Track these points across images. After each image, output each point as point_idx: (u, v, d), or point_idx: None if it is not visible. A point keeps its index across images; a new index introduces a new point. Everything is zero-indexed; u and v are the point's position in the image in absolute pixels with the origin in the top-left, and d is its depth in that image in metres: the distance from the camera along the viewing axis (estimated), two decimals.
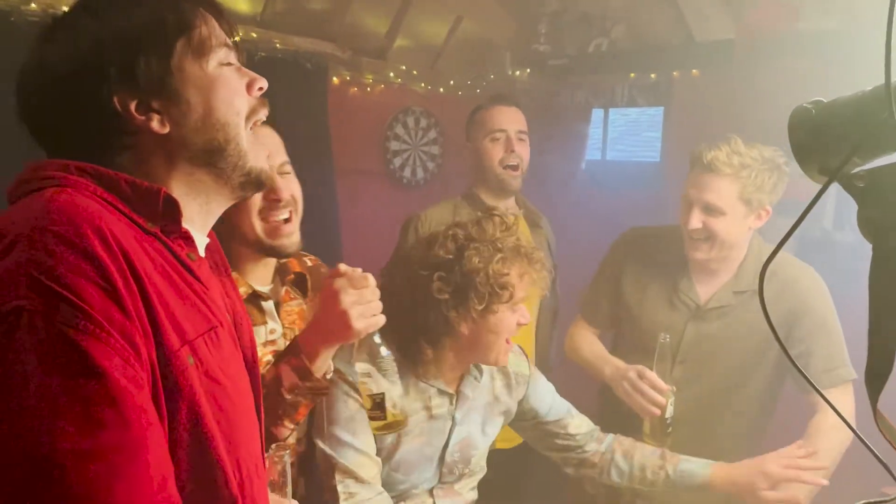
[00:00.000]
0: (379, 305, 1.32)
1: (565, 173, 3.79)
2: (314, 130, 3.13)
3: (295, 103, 2.98)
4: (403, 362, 1.59)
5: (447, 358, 1.63)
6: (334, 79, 3.30)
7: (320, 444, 1.56)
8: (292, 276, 1.58)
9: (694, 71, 3.23)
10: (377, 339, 1.41)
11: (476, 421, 1.72)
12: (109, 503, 0.67)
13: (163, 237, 0.86)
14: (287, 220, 1.47)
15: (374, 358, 1.47)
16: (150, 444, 0.72)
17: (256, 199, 1.43)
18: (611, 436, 1.86)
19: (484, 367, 1.73)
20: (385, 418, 1.45)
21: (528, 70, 3.77)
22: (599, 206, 3.38)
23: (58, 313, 0.68)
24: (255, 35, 2.88)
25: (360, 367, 1.53)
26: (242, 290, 1.43)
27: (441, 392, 1.66)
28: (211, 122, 0.89)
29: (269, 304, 1.50)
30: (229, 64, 0.93)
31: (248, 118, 0.94)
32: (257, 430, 0.97)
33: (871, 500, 0.62)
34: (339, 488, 1.53)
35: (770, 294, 1.86)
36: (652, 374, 1.83)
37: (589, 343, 2.17)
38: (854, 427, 0.71)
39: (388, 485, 1.62)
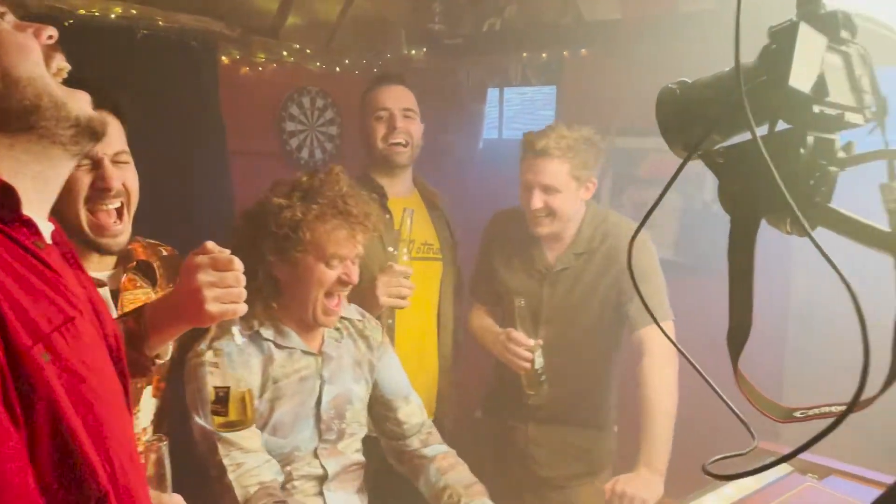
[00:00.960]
0: (241, 293, 1.23)
1: (464, 152, 3.83)
2: (204, 112, 3.01)
3: (182, 84, 2.86)
4: (262, 329, 1.69)
5: (286, 314, 1.73)
6: (224, 58, 3.18)
7: (199, 421, 1.57)
8: (134, 263, 1.53)
9: (583, 51, 3.32)
10: (235, 329, 1.38)
11: (347, 379, 1.81)
12: None
13: (1, 227, 0.80)
14: (118, 215, 1.41)
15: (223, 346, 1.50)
16: (2, 452, 0.69)
17: (83, 185, 1.36)
18: (443, 446, 1.92)
19: (345, 329, 1.84)
20: (227, 415, 1.41)
21: (424, 49, 3.77)
22: (498, 185, 3.43)
23: None
24: (135, 12, 2.73)
25: (209, 356, 1.54)
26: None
27: (305, 353, 1.74)
28: (13, 82, 0.82)
29: (104, 291, 1.44)
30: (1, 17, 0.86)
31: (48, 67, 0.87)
32: (128, 421, 0.94)
33: (727, 454, 0.67)
34: (226, 461, 1.53)
35: (605, 253, 2.23)
36: (517, 334, 2.10)
37: (479, 318, 2.41)
38: (715, 386, 0.76)
39: (269, 450, 1.66)
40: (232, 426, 1.44)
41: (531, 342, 2.10)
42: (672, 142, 0.83)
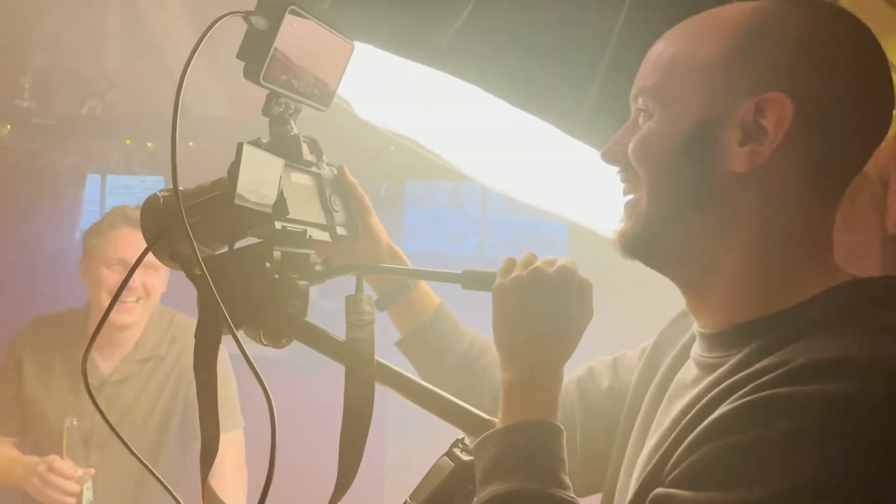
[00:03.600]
0: None
1: (57, 244, 3.43)
2: None
3: None
4: None
5: None
6: None
7: None
8: None
9: (191, 143, 3.26)
10: None
11: None
12: None
13: None
14: None
15: None
16: None
17: None
18: None
19: None
20: None
21: (9, 126, 3.35)
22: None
23: None
24: None
25: None
26: None
27: None
28: None
29: None
30: None
31: None
32: None
33: None
34: None
35: (173, 355, 1.97)
36: (62, 464, 1.75)
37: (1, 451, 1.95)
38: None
39: None
40: None
41: (78, 472, 1.76)
42: (158, 249, 0.80)
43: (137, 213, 1.94)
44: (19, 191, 3.45)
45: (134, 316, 1.90)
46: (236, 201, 0.68)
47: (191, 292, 0.76)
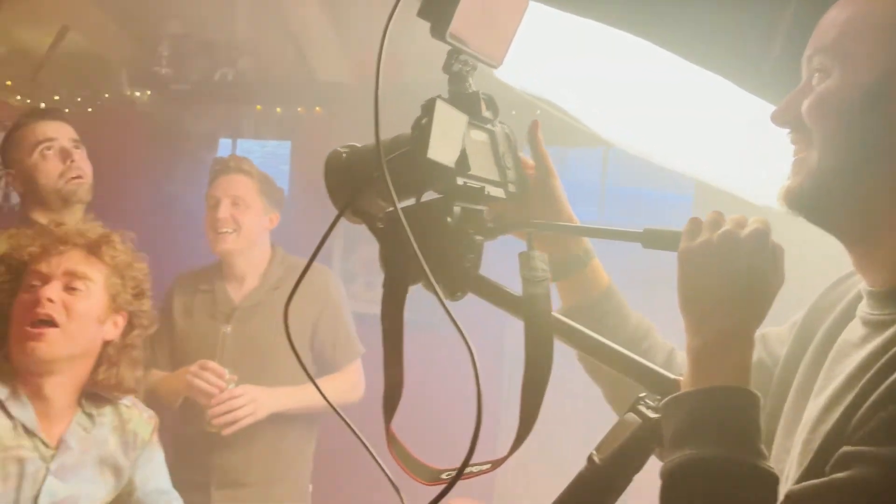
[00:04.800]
0: None
1: (191, 203, 3.63)
2: None
3: None
4: None
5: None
6: None
7: None
8: None
9: (317, 108, 3.36)
10: None
11: (84, 478, 1.49)
12: None
13: None
14: None
15: None
16: None
17: None
18: None
19: (103, 418, 1.54)
20: None
21: (149, 92, 3.55)
22: None
23: None
24: None
25: None
26: None
27: (29, 432, 1.42)
28: None
29: None
30: None
31: None
32: None
33: None
34: None
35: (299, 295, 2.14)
36: (213, 364, 1.99)
37: (157, 376, 2.19)
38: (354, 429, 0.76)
39: None
40: None
41: (226, 373, 1.98)
42: (338, 204, 0.83)
43: (228, 162, 2.21)
44: (158, 153, 3.68)
45: (227, 244, 2.14)
46: (429, 155, 0.69)
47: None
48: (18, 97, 3.20)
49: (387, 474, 0.74)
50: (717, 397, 0.63)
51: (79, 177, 2.02)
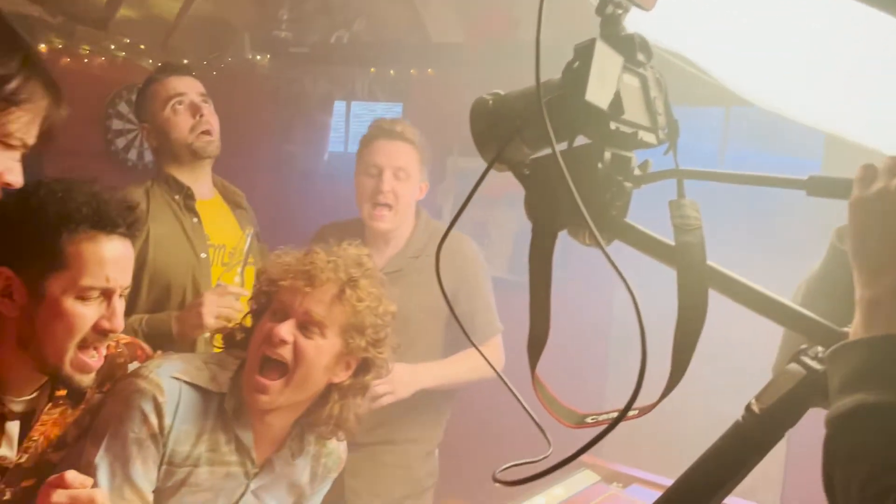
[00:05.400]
0: None
1: (308, 164, 3.76)
2: None
3: None
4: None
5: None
6: (42, 46, 2.92)
7: (95, 458, 1.32)
8: (64, 391, 1.32)
9: (430, 70, 3.37)
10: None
11: (274, 498, 1.53)
12: None
13: None
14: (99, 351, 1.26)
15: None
16: None
17: (84, 325, 1.21)
18: None
19: (308, 447, 1.55)
20: None
21: (269, 56, 3.67)
22: (339, 199, 3.40)
23: None
24: None
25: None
26: None
27: (241, 449, 1.45)
28: None
29: (13, 427, 1.25)
30: None
31: None
32: None
33: (519, 462, 0.68)
34: None
35: (441, 263, 2.10)
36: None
37: None
38: (513, 389, 0.77)
39: None
40: None
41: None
42: (485, 152, 0.83)
43: (394, 126, 2.10)
44: (276, 115, 3.81)
45: (384, 223, 2.07)
46: (587, 97, 0.68)
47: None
48: (150, 60, 3.38)
49: (534, 420, 0.75)
50: (892, 344, 0.60)
51: (208, 132, 2.06)
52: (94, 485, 1.16)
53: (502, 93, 0.85)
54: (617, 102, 0.74)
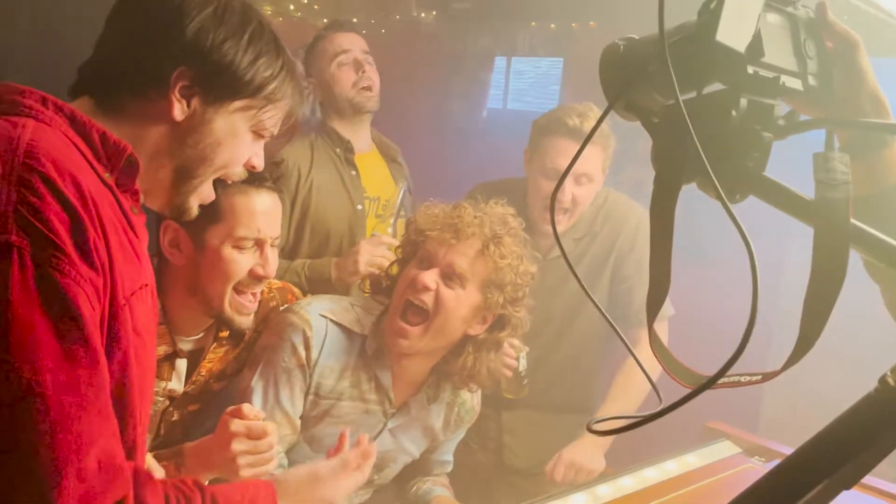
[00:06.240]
0: (272, 456, 1.25)
1: (465, 121, 3.80)
2: None
3: None
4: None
5: None
6: None
7: (252, 381, 1.46)
8: (227, 332, 1.46)
9: (592, 23, 3.27)
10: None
11: (409, 439, 1.62)
12: (77, 430, 0.75)
13: (115, 189, 0.88)
14: (254, 294, 1.40)
15: None
16: (107, 383, 0.80)
17: (240, 271, 1.34)
18: (444, 489, 1.76)
19: (444, 394, 1.61)
20: None
21: (434, 12, 3.72)
22: (499, 156, 3.41)
23: (45, 254, 0.74)
24: None
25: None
26: (162, 350, 1.35)
27: (381, 388, 1.54)
28: (211, 154, 0.94)
29: (181, 363, 1.41)
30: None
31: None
32: (153, 384, 1.02)
33: (617, 416, 0.66)
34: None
35: (605, 236, 2.03)
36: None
37: None
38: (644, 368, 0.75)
39: (293, 456, 1.52)
40: None
41: (518, 346, 1.78)
42: (611, 97, 0.81)
43: (577, 123, 1.89)
44: (437, 70, 3.87)
45: (560, 227, 1.96)
46: (717, 37, 0.63)
47: None
48: (325, 20, 3.54)
49: (649, 379, 0.73)
50: None
51: (369, 87, 2.14)
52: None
53: (637, 37, 0.81)
54: (756, 43, 0.68)
